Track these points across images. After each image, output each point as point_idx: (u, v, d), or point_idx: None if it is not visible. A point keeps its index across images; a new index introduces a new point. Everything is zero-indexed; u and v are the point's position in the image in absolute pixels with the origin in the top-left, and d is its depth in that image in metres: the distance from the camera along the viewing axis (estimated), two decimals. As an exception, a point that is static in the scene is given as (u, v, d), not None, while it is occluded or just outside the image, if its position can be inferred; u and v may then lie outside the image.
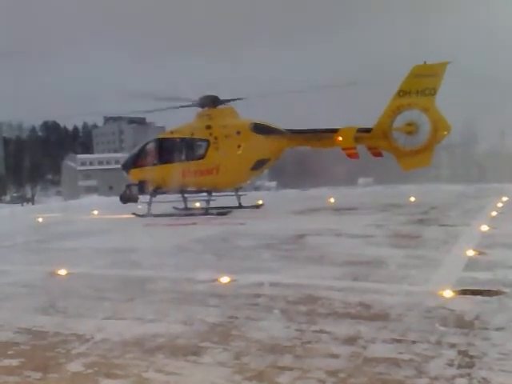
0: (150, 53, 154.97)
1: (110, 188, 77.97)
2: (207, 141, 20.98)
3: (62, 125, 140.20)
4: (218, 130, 20.92)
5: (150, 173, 21.13)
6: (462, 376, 4.16)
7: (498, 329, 5.25)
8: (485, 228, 12.20)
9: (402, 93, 19.65)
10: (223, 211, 19.89)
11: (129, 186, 22.33)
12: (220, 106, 21.67)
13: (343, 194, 28.11)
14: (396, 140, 20.10)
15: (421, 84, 19.24)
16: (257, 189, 46.00)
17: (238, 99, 21.58)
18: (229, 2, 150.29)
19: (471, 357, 4.55)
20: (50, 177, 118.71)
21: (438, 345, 4.86)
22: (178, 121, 23.26)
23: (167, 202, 21.36)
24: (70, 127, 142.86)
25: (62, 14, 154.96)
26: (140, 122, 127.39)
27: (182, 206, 22.07)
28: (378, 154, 21.28)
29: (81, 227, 17.76)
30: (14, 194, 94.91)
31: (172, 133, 22.34)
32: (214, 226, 16.55)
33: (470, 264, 8.41)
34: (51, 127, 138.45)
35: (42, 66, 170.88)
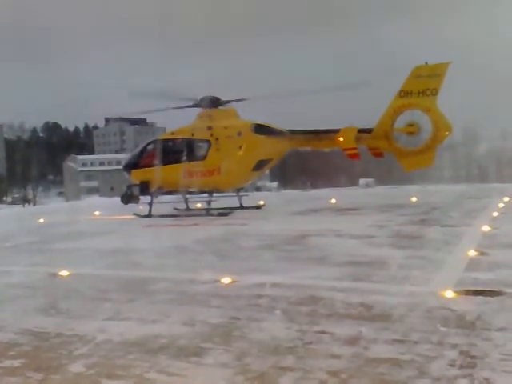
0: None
1: (112, 189, 78.07)
2: (208, 141, 20.99)
3: (63, 126, 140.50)
4: (219, 130, 20.92)
5: (151, 173, 21.16)
6: (464, 377, 4.16)
7: (499, 329, 5.24)
8: (486, 228, 12.20)
9: (403, 93, 19.63)
10: (224, 212, 19.89)
11: (130, 187, 22.38)
12: (221, 107, 21.69)
13: (344, 195, 28.11)
14: (397, 140, 20.11)
15: (422, 84, 19.22)
16: (258, 189, 46.02)
17: (239, 100, 21.59)
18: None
19: (473, 357, 4.54)
20: (51, 178, 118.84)
21: (440, 345, 4.86)
22: (179, 122, 23.33)
23: (168, 202, 21.38)
24: (71, 128, 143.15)
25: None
26: (141, 122, 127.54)
27: (183, 206, 22.09)
28: (379, 155, 21.28)
29: (82, 228, 17.75)
30: (16, 195, 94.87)
31: (173, 134, 22.34)
32: (215, 226, 16.55)
33: (472, 264, 8.40)
34: (52, 128, 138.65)
35: (43, 67, 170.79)
